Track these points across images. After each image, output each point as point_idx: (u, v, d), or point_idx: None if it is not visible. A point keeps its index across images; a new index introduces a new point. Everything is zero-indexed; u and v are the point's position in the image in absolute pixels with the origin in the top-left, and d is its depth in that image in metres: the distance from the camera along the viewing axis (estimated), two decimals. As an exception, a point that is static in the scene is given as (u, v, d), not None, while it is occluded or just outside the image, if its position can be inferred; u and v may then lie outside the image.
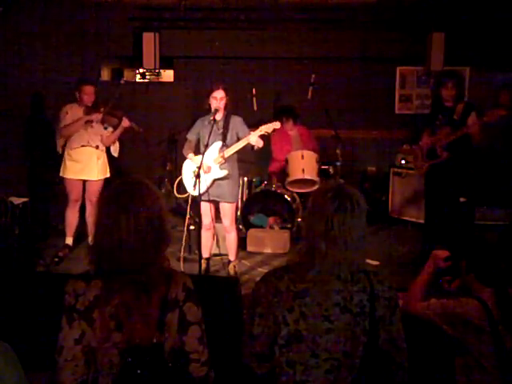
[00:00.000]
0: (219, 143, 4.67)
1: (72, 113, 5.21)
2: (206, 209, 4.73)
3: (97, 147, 5.31)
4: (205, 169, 4.57)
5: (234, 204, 4.89)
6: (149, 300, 1.78)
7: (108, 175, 5.43)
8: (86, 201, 5.41)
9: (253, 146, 4.62)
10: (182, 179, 5.00)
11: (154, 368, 1.77)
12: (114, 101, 5.31)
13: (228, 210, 4.80)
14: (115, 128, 5.31)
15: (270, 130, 4.59)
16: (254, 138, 4.53)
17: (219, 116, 4.64)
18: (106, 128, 5.33)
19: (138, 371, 1.75)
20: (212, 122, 4.55)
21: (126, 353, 1.76)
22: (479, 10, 6.32)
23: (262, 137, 4.63)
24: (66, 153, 5.28)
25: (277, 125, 4.61)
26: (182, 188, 5.09)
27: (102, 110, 5.23)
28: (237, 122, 4.71)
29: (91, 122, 5.22)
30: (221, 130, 4.67)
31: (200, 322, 1.84)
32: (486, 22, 6.40)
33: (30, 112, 6.58)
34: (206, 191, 4.65)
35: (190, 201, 4.67)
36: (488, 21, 6.39)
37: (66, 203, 5.39)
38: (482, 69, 6.80)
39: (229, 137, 4.69)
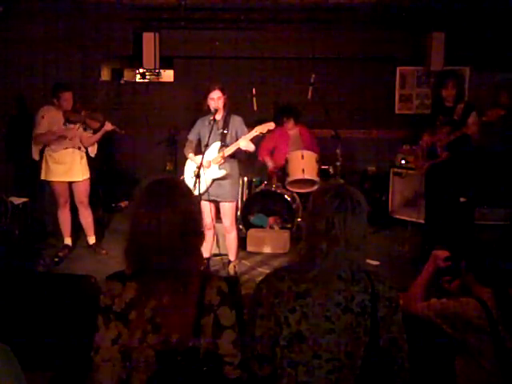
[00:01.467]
0: (218, 143, 4.68)
1: (49, 116, 5.14)
2: (206, 209, 4.72)
3: (79, 148, 5.26)
4: (205, 165, 4.57)
5: (234, 204, 4.89)
6: (185, 303, 1.78)
7: (89, 175, 5.38)
8: (76, 203, 5.39)
9: (244, 151, 4.64)
10: (183, 179, 4.99)
11: (189, 372, 1.77)
12: (96, 103, 5.27)
13: (228, 210, 4.80)
14: (95, 131, 5.27)
15: (264, 131, 4.59)
16: (244, 143, 4.54)
17: (219, 116, 4.65)
18: (85, 129, 5.27)
19: (174, 376, 1.76)
20: (212, 121, 4.56)
21: (163, 354, 1.77)
22: (479, 10, 6.32)
23: (254, 139, 4.63)
24: (46, 155, 5.20)
25: (271, 125, 4.60)
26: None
27: (83, 113, 5.17)
28: (237, 121, 4.72)
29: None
30: (220, 130, 4.67)
31: (234, 325, 1.85)
32: (486, 22, 6.40)
33: (30, 112, 6.58)
34: (206, 191, 4.65)
35: None
36: (488, 21, 6.38)
37: (56, 206, 5.38)
38: (482, 69, 6.80)
39: (229, 137, 4.69)
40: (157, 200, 1.81)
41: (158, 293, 1.78)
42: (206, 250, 4.90)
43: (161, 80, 7.75)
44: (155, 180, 1.91)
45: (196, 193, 4.43)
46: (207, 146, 4.54)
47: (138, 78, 7.79)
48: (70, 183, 5.30)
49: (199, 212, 1.92)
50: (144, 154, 7.15)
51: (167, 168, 6.91)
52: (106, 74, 7.52)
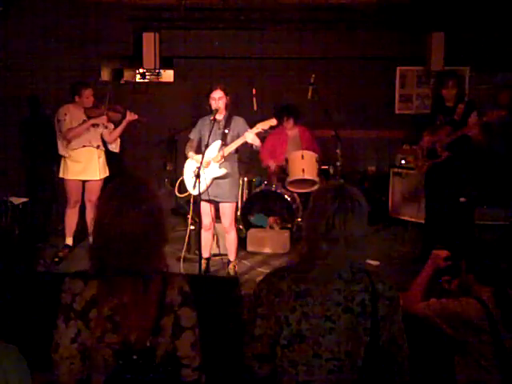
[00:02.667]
0: (219, 142, 4.68)
1: (70, 114, 5.19)
2: (205, 209, 4.73)
3: (97, 147, 5.31)
4: (204, 165, 4.57)
5: (234, 204, 4.89)
6: (145, 303, 1.77)
7: (107, 174, 5.42)
8: (85, 200, 5.40)
9: (251, 145, 4.64)
10: (183, 179, 4.99)
11: (146, 372, 1.77)
12: (109, 97, 5.29)
13: (228, 210, 4.80)
14: (117, 123, 5.30)
15: (266, 127, 4.60)
16: (251, 136, 4.55)
17: (220, 116, 4.66)
18: (106, 126, 5.32)
19: (128, 375, 1.75)
20: (212, 121, 4.56)
21: (120, 354, 1.76)
22: (479, 9, 6.32)
23: (258, 135, 4.64)
24: (65, 152, 5.26)
25: (273, 122, 4.60)
26: (182, 187, 5.08)
27: (103, 108, 5.23)
28: (239, 122, 4.73)
29: (97, 125, 5.24)
30: (221, 130, 4.68)
31: (194, 327, 1.83)
32: (486, 22, 6.40)
33: (30, 112, 6.58)
34: (206, 190, 4.64)
35: (191, 200, 4.66)
36: (488, 21, 6.38)
37: (65, 204, 5.38)
38: (482, 69, 6.80)
39: (229, 137, 4.69)
40: (120, 200, 1.80)
41: (118, 291, 1.76)
42: (206, 250, 4.91)
43: (161, 80, 7.75)
44: (122, 178, 1.90)
45: (196, 192, 4.44)
46: (207, 145, 4.54)
47: (138, 78, 7.79)
48: (84, 182, 5.32)
49: (162, 212, 1.87)
50: (144, 154, 7.15)
51: (167, 168, 6.91)
52: (105, 74, 7.52)
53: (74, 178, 5.26)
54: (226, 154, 4.64)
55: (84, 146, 5.23)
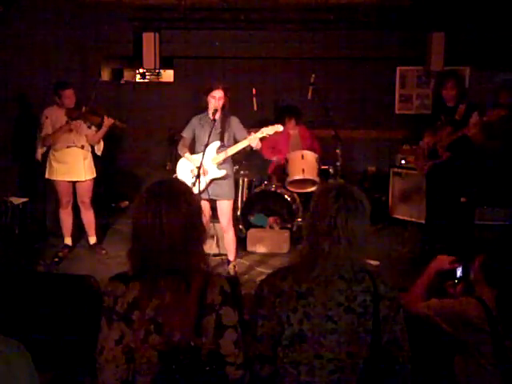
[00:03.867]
0: (217, 143, 4.66)
1: (52, 117, 5.17)
2: (203, 208, 4.73)
3: (82, 147, 5.26)
4: (202, 171, 4.54)
5: (231, 202, 4.87)
6: (187, 303, 1.78)
7: (94, 175, 5.39)
8: (78, 203, 5.39)
9: (252, 147, 4.63)
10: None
11: (192, 371, 1.77)
12: (93, 99, 5.26)
13: (226, 209, 4.79)
14: (98, 126, 5.27)
15: (271, 133, 4.57)
16: (255, 142, 4.53)
17: (217, 116, 4.61)
18: (90, 127, 5.28)
19: (177, 376, 1.76)
20: (212, 122, 4.54)
21: (165, 355, 1.77)
22: (479, 9, 6.32)
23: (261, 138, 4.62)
24: (50, 154, 5.22)
25: (279, 128, 4.58)
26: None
27: (83, 109, 5.18)
28: (234, 122, 4.71)
29: (76, 126, 5.19)
30: (218, 130, 4.64)
31: (236, 325, 1.84)
32: (486, 22, 6.40)
33: (30, 112, 6.57)
34: (204, 190, 4.63)
35: None
36: (488, 20, 6.38)
37: (57, 205, 5.38)
38: (482, 69, 6.80)
39: (226, 137, 4.68)
40: (158, 201, 1.82)
41: (160, 292, 1.78)
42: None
43: (161, 80, 7.75)
44: (157, 181, 1.91)
45: (195, 192, 4.43)
46: (207, 145, 4.52)
47: (138, 78, 7.79)
48: (74, 183, 5.31)
49: (200, 212, 1.92)
50: (144, 153, 7.15)
51: (167, 168, 6.91)
52: (105, 74, 7.53)
53: (61, 178, 5.23)
54: (227, 156, 4.63)
55: (68, 147, 5.19)
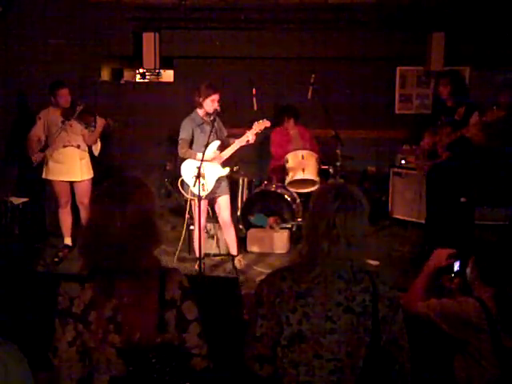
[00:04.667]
0: (217, 142, 4.85)
1: (46, 117, 5.18)
2: (204, 208, 4.87)
3: (78, 146, 5.26)
4: (203, 171, 4.57)
5: (229, 197, 5.04)
6: (146, 300, 1.78)
7: (92, 175, 5.39)
8: (77, 203, 5.39)
9: (247, 141, 4.85)
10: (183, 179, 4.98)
11: (160, 368, 1.78)
12: (85, 101, 5.28)
13: (227, 203, 4.98)
14: (93, 126, 5.26)
15: (262, 128, 4.85)
16: (251, 136, 4.81)
17: (212, 116, 4.80)
18: (86, 127, 5.28)
19: (145, 373, 1.76)
20: (212, 123, 4.71)
21: (124, 353, 1.77)
22: (479, 9, 6.32)
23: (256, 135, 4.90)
24: (47, 154, 5.21)
25: (267, 123, 4.87)
26: (181, 188, 5.07)
27: (77, 108, 5.18)
28: (220, 122, 4.95)
29: (71, 125, 5.17)
30: (214, 130, 4.80)
31: (198, 318, 1.86)
32: (486, 22, 6.40)
33: (29, 112, 6.57)
34: (212, 190, 4.79)
35: (197, 201, 4.66)
36: (488, 20, 6.38)
37: (56, 205, 5.37)
38: (482, 68, 6.80)
39: (218, 136, 4.90)
40: (107, 199, 1.80)
41: (117, 292, 1.77)
42: (203, 249, 4.95)
43: (161, 80, 7.75)
44: (112, 179, 1.90)
45: (196, 192, 4.47)
46: (207, 145, 4.62)
47: (138, 78, 7.79)
48: (72, 183, 5.30)
49: (154, 211, 1.87)
50: (144, 153, 7.15)
51: (167, 168, 6.91)
52: (105, 74, 7.53)
53: (57, 178, 5.23)
54: (227, 156, 4.85)
55: (64, 146, 5.20)
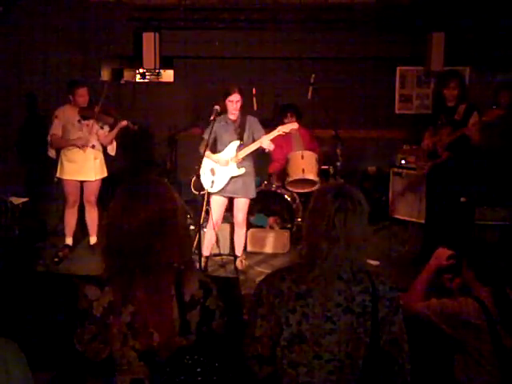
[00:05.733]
0: (237, 142, 4.85)
1: (63, 116, 5.19)
2: (218, 205, 4.89)
3: (93, 146, 5.27)
4: (223, 163, 4.76)
5: (249, 200, 5.03)
6: (164, 303, 1.76)
7: (105, 175, 5.41)
8: (84, 201, 5.39)
9: (264, 149, 4.80)
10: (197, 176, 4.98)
11: (190, 369, 1.77)
12: (104, 98, 5.27)
13: (243, 206, 4.98)
14: (111, 126, 5.29)
15: (287, 130, 4.79)
16: (267, 143, 4.73)
17: (234, 116, 4.83)
18: (102, 127, 5.31)
19: (175, 376, 1.75)
20: (232, 123, 4.80)
21: (145, 356, 1.77)
22: (479, 10, 6.32)
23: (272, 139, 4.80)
24: (62, 153, 5.24)
25: (295, 125, 4.84)
26: (195, 185, 5.07)
27: (96, 109, 5.20)
28: (253, 122, 4.93)
29: (88, 124, 5.20)
30: (238, 130, 4.84)
31: (220, 307, 1.87)
32: (486, 22, 6.39)
33: (29, 112, 6.57)
34: (223, 188, 4.83)
35: (206, 197, 4.72)
36: (488, 21, 6.38)
37: (64, 204, 5.38)
38: (482, 69, 6.79)
39: (245, 136, 4.87)
40: (128, 197, 1.80)
41: (134, 298, 1.76)
42: (208, 248, 4.99)
43: (161, 80, 7.74)
44: (132, 178, 1.90)
45: (213, 189, 4.71)
46: (224, 145, 4.73)
47: (138, 78, 7.78)
48: (82, 182, 5.31)
49: (177, 211, 1.84)
50: (144, 153, 7.14)
51: (167, 168, 6.91)
52: (106, 74, 7.52)
53: (70, 178, 5.24)
54: (240, 158, 4.81)
55: (79, 146, 5.21)
